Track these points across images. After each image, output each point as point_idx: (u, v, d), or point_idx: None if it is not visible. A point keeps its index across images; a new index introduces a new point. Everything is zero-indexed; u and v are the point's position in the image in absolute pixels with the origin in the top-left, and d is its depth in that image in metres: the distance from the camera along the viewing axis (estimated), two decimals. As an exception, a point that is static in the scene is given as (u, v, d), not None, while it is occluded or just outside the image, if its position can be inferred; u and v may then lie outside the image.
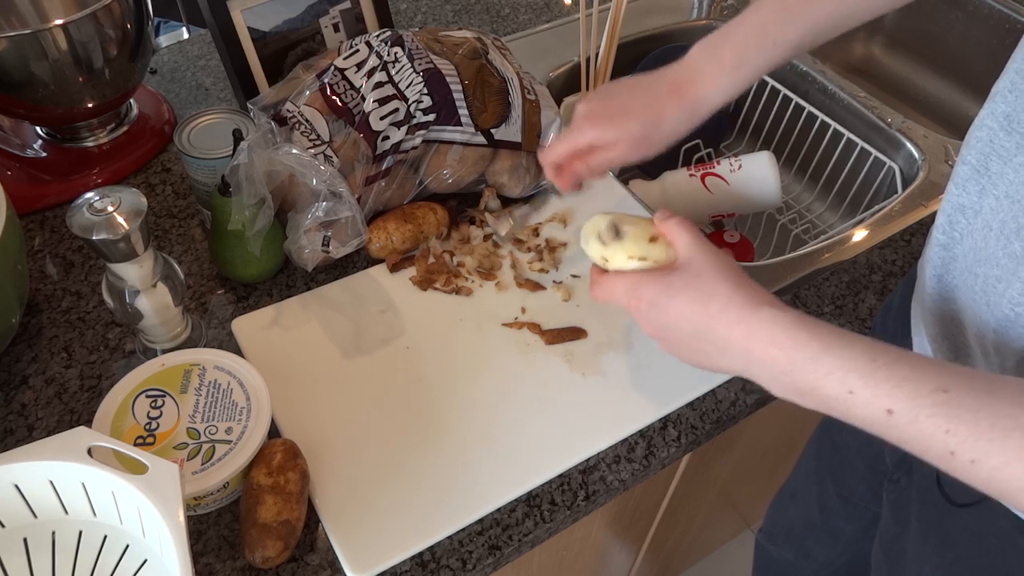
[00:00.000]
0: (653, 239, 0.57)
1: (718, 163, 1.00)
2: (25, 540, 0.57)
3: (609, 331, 0.76)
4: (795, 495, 0.93)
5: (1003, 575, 0.56)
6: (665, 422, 0.72)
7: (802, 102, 1.08)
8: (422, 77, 0.78)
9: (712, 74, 0.65)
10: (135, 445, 0.60)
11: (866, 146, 1.03)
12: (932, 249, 0.56)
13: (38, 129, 0.91)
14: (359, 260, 0.82)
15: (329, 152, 0.76)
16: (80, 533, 0.58)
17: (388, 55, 0.79)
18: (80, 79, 0.81)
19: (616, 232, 0.58)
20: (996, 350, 0.51)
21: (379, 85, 0.78)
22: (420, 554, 0.62)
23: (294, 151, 0.69)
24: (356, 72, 0.79)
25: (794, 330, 0.48)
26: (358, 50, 0.81)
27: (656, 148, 0.67)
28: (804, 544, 0.94)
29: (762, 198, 1.00)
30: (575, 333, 0.76)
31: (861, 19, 0.65)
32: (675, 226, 0.56)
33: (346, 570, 0.60)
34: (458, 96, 0.79)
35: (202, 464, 0.60)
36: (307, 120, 0.77)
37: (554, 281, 0.81)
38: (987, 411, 0.41)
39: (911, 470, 0.66)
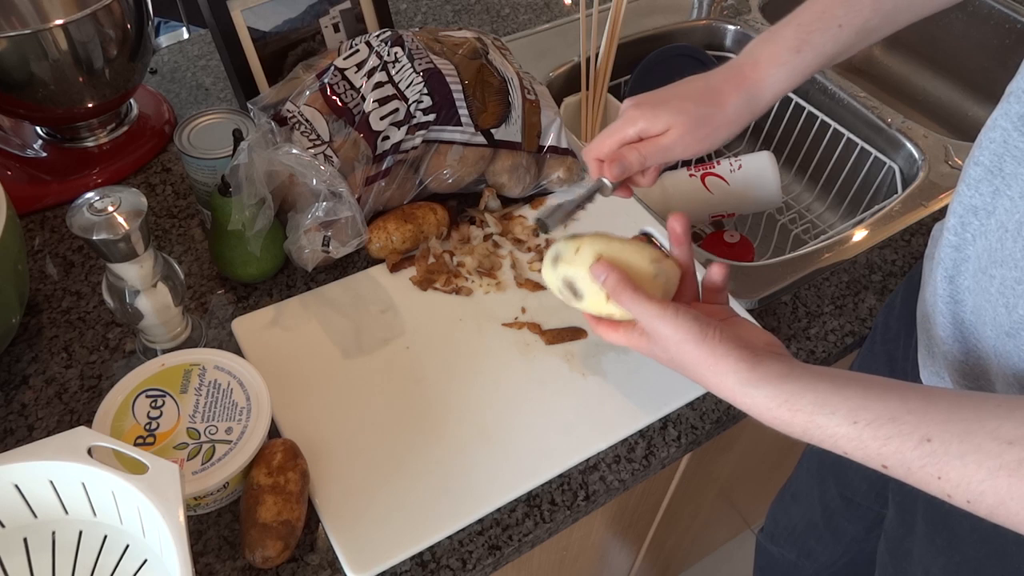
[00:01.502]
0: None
1: (718, 163, 1.00)
2: (25, 540, 0.57)
3: (609, 331, 0.76)
4: (797, 495, 0.93)
5: None
6: (665, 422, 0.72)
7: (802, 102, 1.08)
8: (422, 77, 0.78)
9: (772, 56, 0.62)
10: (135, 445, 0.60)
11: (866, 146, 1.03)
12: (943, 250, 0.55)
13: (38, 129, 0.91)
14: (359, 260, 0.82)
15: (329, 152, 0.76)
16: (80, 533, 0.58)
17: (388, 55, 0.79)
18: (80, 79, 0.81)
19: (573, 291, 0.58)
20: (1007, 352, 0.50)
21: (379, 85, 0.78)
22: (420, 554, 0.62)
23: (294, 151, 0.69)
24: (356, 72, 0.79)
25: (775, 410, 0.48)
26: (358, 50, 0.81)
27: (715, 137, 0.62)
28: (806, 544, 0.93)
29: (762, 198, 1.00)
30: (575, 333, 0.76)
31: (928, 6, 0.62)
32: (615, 293, 0.54)
33: (346, 570, 0.60)
34: (458, 96, 0.79)
35: (202, 464, 0.60)
36: (307, 120, 0.77)
37: (554, 281, 0.80)
38: (972, 456, 0.41)
39: None
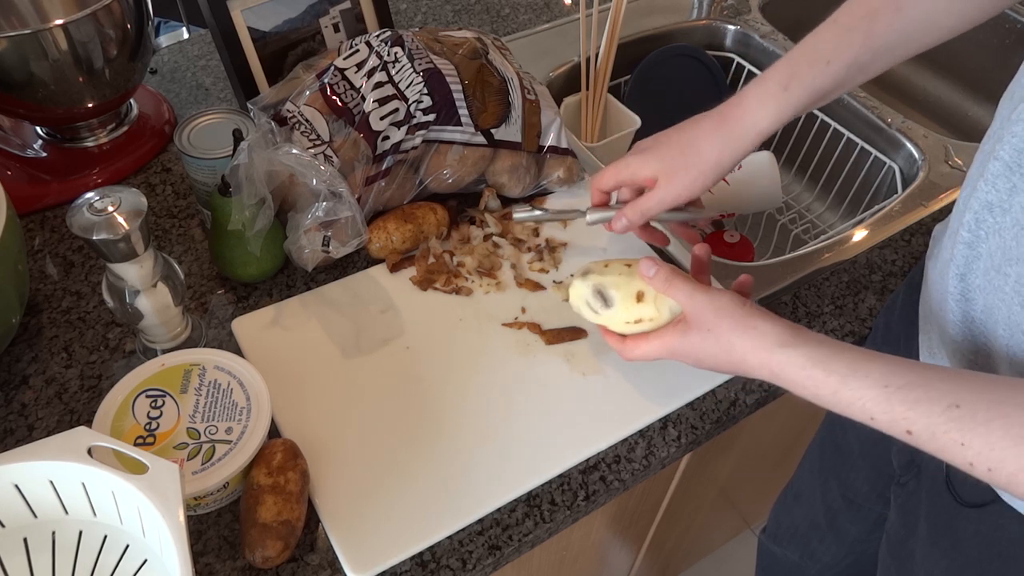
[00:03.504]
0: (639, 296, 0.62)
1: (718, 163, 1.00)
2: (25, 540, 0.57)
3: (609, 331, 0.76)
4: (799, 496, 0.93)
5: None
6: (665, 422, 0.72)
7: (802, 102, 1.08)
8: (422, 77, 0.78)
9: (756, 95, 0.63)
10: (135, 445, 0.60)
11: (866, 146, 1.03)
12: (956, 247, 0.55)
13: (38, 129, 0.91)
14: (359, 260, 0.82)
15: (329, 152, 0.76)
16: (80, 533, 0.58)
17: (388, 55, 0.79)
18: (80, 79, 0.81)
19: (603, 298, 0.64)
20: (1021, 351, 0.50)
21: (379, 85, 0.78)
22: (420, 554, 0.62)
23: (294, 151, 0.69)
24: (356, 72, 0.79)
25: (810, 369, 0.51)
26: (358, 50, 0.81)
27: (703, 179, 0.65)
28: (809, 544, 0.93)
29: (762, 198, 1.00)
30: (575, 333, 0.76)
31: (919, 43, 0.62)
32: (666, 282, 0.60)
33: (346, 570, 0.60)
34: (458, 96, 0.79)
35: (202, 464, 0.60)
36: (307, 120, 0.77)
37: (554, 281, 0.80)
38: (998, 422, 0.42)
39: (920, 473, 0.66)
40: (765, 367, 0.53)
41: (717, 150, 0.64)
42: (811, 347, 0.51)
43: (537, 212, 0.76)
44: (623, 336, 0.64)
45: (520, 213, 0.75)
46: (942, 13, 0.61)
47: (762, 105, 0.63)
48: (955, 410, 0.43)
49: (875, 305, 0.83)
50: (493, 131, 0.81)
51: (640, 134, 0.87)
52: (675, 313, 0.62)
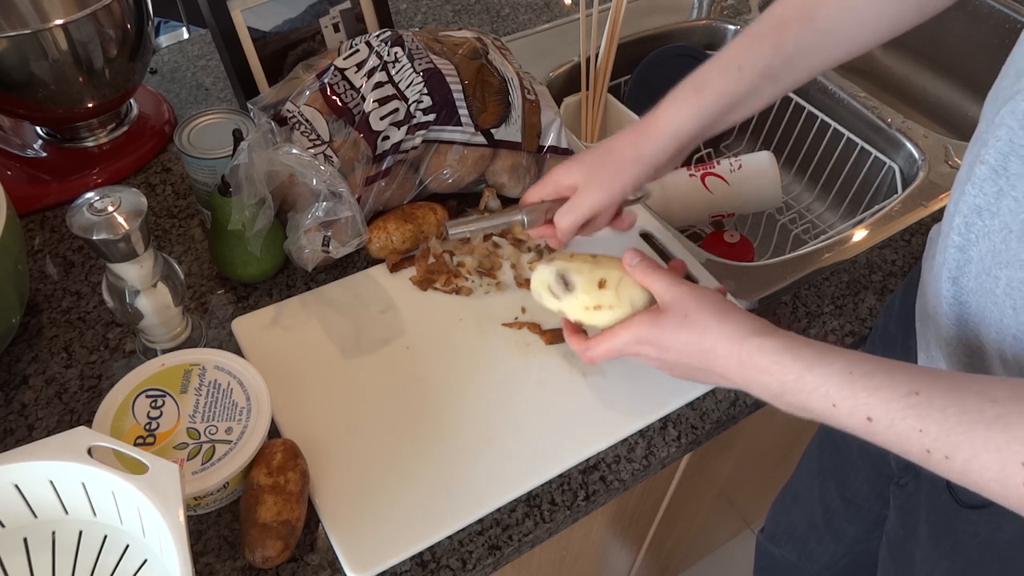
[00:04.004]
0: (602, 283, 0.63)
1: (718, 163, 1.00)
2: (25, 540, 0.57)
3: (609, 331, 0.76)
4: (797, 496, 0.93)
5: None
6: (665, 422, 0.72)
7: (802, 102, 1.08)
8: (422, 77, 0.78)
9: (670, 99, 0.66)
10: (135, 445, 0.60)
11: (866, 146, 1.03)
12: (948, 251, 0.55)
13: (38, 129, 0.91)
14: (359, 260, 0.82)
15: (329, 152, 0.76)
16: (80, 533, 0.58)
17: (388, 55, 0.79)
18: (80, 79, 0.81)
19: (565, 283, 0.64)
20: (1014, 355, 0.50)
21: (379, 85, 0.78)
22: (420, 554, 0.62)
23: (294, 151, 0.69)
24: (356, 72, 0.79)
25: (779, 355, 0.52)
26: (358, 50, 0.81)
27: (621, 178, 0.67)
28: (807, 545, 0.93)
29: (762, 198, 1.00)
30: (575, 333, 0.76)
31: (834, 55, 0.64)
32: (646, 272, 0.61)
33: (346, 570, 0.60)
34: (458, 96, 0.79)
35: (202, 464, 0.60)
36: (307, 120, 0.77)
37: (554, 281, 0.80)
38: (955, 408, 0.43)
39: (919, 474, 0.66)
40: (734, 356, 0.55)
41: (633, 148, 0.66)
42: (781, 337, 0.53)
43: (473, 226, 0.73)
44: (585, 337, 0.64)
45: (455, 228, 0.72)
46: (855, 27, 0.62)
47: (676, 107, 0.65)
48: (914, 396, 0.44)
49: (875, 305, 0.83)
50: (493, 131, 0.81)
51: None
52: (635, 307, 0.63)
